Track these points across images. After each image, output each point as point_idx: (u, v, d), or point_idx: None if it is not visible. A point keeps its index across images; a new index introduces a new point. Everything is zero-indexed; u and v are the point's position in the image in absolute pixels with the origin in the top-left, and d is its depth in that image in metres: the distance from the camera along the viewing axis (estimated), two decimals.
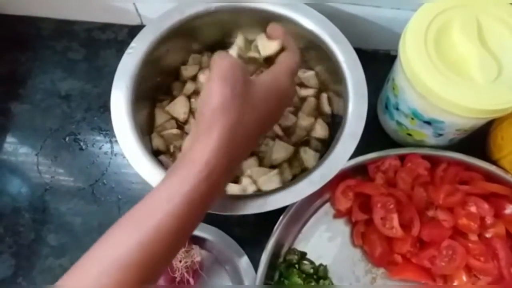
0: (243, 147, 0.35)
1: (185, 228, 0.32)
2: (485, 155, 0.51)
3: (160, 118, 0.53)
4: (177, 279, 0.45)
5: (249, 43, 0.42)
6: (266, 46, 0.40)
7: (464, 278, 0.46)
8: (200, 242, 0.49)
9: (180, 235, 0.32)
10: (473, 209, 0.48)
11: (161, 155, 0.51)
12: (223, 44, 0.56)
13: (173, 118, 0.53)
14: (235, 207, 0.42)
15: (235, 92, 0.33)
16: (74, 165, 0.57)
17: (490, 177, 0.50)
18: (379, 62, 0.55)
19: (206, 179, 0.31)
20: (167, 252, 0.31)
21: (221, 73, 0.33)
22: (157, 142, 0.51)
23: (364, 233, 0.50)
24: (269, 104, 0.36)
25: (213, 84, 0.33)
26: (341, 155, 0.43)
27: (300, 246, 0.51)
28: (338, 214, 0.52)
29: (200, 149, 0.32)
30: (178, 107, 0.53)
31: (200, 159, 0.32)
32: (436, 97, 0.41)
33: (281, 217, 0.48)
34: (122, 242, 0.30)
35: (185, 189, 0.31)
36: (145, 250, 0.29)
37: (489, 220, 0.48)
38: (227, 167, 0.33)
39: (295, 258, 0.49)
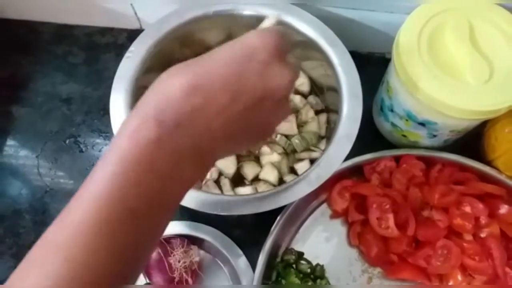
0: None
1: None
2: (479, 156, 0.52)
3: None
4: (176, 279, 0.45)
5: None
6: None
7: (459, 277, 0.47)
8: (198, 242, 0.50)
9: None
10: (467, 209, 0.48)
11: None
12: None
13: None
14: (232, 207, 0.43)
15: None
16: (74, 168, 0.58)
17: (484, 178, 0.50)
18: (374, 65, 0.56)
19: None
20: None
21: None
22: None
23: (360, 233, 0.50)
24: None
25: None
26: (337, 156, 0.44)
27: (297, 246, 0.51)
28: (334, 215, 0.52)
29: None
30: None
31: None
32: (429, 99, 0.42)
33: (278, 218, 0.48)
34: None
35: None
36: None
37: (483, 220, 0.48)
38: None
39: (292, 258, 0.49)
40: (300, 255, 0.50)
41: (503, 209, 0.49)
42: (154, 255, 0.46)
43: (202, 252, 0.51)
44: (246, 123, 0.27)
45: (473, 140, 0.53)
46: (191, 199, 0.42)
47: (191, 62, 0.27)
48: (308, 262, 0.50)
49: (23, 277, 0.24)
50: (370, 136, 0.56)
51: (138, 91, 0.48)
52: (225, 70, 0.26)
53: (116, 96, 0.47)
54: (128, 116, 0.26)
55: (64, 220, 0.25)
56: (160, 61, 0.51)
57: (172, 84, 0.26)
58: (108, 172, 0.25)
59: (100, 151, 0.58)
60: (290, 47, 0.30)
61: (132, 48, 0.49)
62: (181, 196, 0.27)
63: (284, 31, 0.29)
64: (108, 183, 0.24)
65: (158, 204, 0.25)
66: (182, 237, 0.49)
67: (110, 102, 0.46)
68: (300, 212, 0.52)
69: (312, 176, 0.43)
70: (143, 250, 0.26)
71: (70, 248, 0.23)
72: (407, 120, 0.48)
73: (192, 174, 0.27)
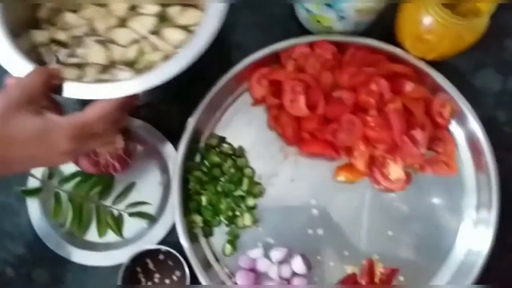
0: None
1: None
2: (394, 42, 0.54)
3: None
4: (102, 162, 0.49)
5: None
6: None
7: (362, 147, 0.52)
8: (127, 133, 0.53)
9: None
10: (373, 87, 0.52)
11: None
12: None
13: None
14: None
15: None
16: None
17: (394, 59, 0.54)
18: None
19: None
20: None
21: None
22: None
23: (277, 116, 0.54)
24: None
25: None
26: (205, 35, 0.42)
27: (220, 132, 0.55)
28: (255, 102, 0.56)
29: None
30: None
31: None
32: None
33: (199, 105, 0.51)
34: None
35: None
36: None
37: (387, 95, 0.52)
38: None
39: (214, 141, 0.53)
40: (222, 139, 0.54)
41: (408, 86, 0.53)
42: None
43: (132, 143, 0.53)
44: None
45: (387, 26, 0.54)
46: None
47: None
48: (230, 144, 0.54)
49: None
50: (292, 27, 0.57)
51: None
52: None
53: None
54: None
55: None
56: None
57: None
58: None
59: None
60: None
61: None
62: None
63: None
64: None
65: None
66: None
67: None
68: (222, 100, 0.55)
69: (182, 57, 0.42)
70: None
71: None
72: (317, 3, 0.49)
73: None
